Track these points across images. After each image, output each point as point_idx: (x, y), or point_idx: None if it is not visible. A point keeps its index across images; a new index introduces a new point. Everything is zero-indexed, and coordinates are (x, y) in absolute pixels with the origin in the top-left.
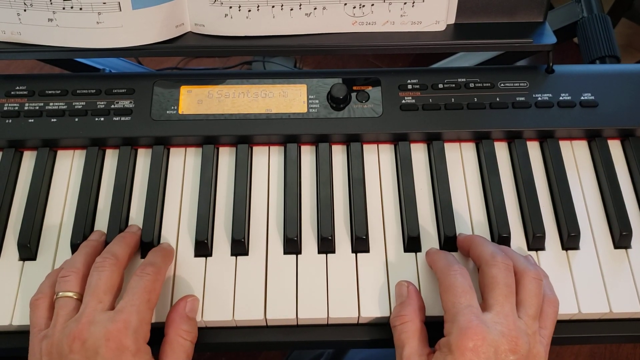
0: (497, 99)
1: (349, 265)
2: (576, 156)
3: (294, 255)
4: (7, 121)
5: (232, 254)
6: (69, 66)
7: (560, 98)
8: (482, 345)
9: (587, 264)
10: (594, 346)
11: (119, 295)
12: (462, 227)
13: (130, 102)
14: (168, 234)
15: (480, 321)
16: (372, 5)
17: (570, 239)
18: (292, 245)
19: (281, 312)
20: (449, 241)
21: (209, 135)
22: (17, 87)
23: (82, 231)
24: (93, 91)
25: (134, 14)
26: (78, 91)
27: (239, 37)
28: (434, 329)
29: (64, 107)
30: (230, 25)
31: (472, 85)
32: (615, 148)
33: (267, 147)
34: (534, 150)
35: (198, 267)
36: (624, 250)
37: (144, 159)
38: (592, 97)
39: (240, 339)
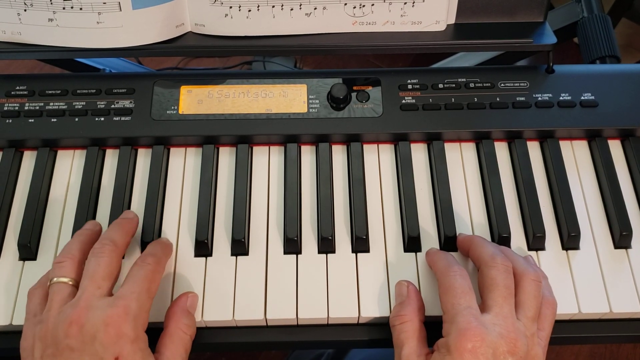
0: (497, 99)
1: (349, 265)
2: (576, 156)
3: (294, 255)
4: (7, 121)
5: (232, 254)
6: (69, 66)
7: (561, 98)
8: (481, 346)
9: (587, 264)
10: (594, 346)
11: (116, 283)
12: (462, 227)
13: (131, 102)
14: (168, 233)
15: (479, 322)
16: (372, 5)
17: (570, 239)
18: (292, 245)
19: (281, 312)
20: (449, 241)
21: (209, 135)
22: (18, 87)
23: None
24: (93, 91)
25: (134, 14)
26: (78, 91)
27: (239, 37)
28: (433, 329)
29: (64, 107)
30: (231, 25)
31: (472, 85)
32: (615, 148)
33: (267, 147)
34: (534, 150)
35: (198, 267)
36: (624, 250)
37: (144, 159)
38: (592, 97)
39: (240, 339)
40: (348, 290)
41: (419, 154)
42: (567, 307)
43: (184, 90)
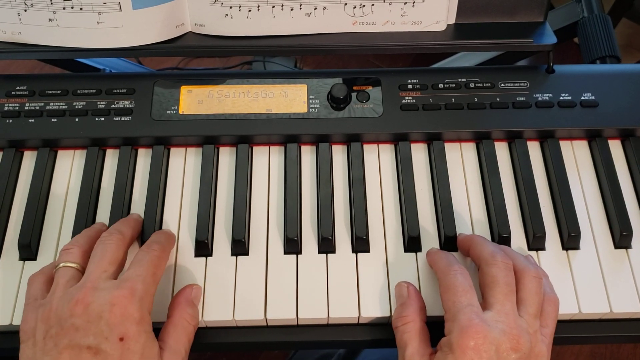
0: (498, 99)
1: (349, 265)
2: (576, 156)
3: (294, 255)
4: (7, 121)
5: (232, 254)
6: (69, 66)
7: (561, 98)
8: (484, 343)
9: (588, 263)
10: (594, 346)
11: (121, 271)
12: (463, 227)
13: (131, 102)
14: None
15: (481, 320)
16: (373, 5)
17: (570, 239)
18: (292, 245)
19: (281, 312)
20: (449, 241)
21: (210, 135)
22: (18, 87)
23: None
24: (93, 91)
25: (134, 14)
26: (78, 91)
27: (239, 37)
28: (435, 329)
29: (65, 107)
30: (231, 25)
31: (472, 85)
32: (615, 148)
33: (267, 147)
34: (534, 150)
35: (198, 267)
36: (624, 250)
37: (144, 159)
38: (593, 97)
39: (240, 339)
40: (348, 290)
41: (419, 154)
42: (567, 307)
43: (184, 90)
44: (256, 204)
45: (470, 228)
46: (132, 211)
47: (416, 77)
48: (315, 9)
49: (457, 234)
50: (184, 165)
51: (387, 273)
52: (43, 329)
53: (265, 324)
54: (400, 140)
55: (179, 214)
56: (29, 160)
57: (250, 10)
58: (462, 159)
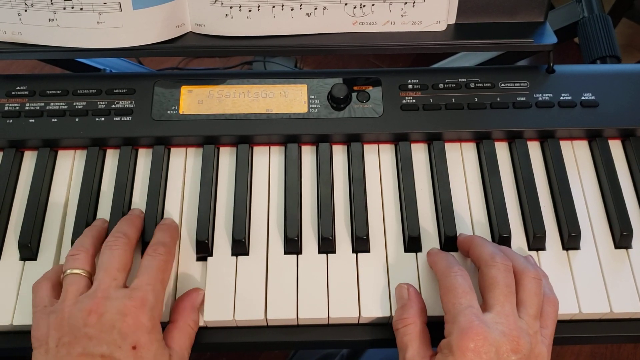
0: (498, 99)
1: (349, 265)
2: (577, 156)
3: (295, 255)
4: (7, 121)
5: (232, 254)
6: (69, 66)
7: (561, 98)
8: (484, 345)
9: (588, 264)
10: (594, 346)
11: (129, 274)
12: (463, 227)
13: (131, 102)
14: None
15: (481, 321)
16: (373, 5)
17: (570, 239)
18: (292, 245)
19: (282, 312)
20: (449, 241)
21: (210, 135)
22: (18, 87)
23: (82, 231)
24: (94, 91)
25: (134, 14)
26: (79, 91)
27: (240, 37)
28: (435, 329)
29: (65, 107)
30: (231, 25)
31: (472, 85)
32: (615, 148)
33: (267, 147)
34: (534, 150)
35: (198, 267)
36: (624, 250)
37: (144, 159)
38: (593, 97)
39: (240, 339)
40: (348, 290)
41: (419, 154)
42: (567, 307)
43: (185, 90)
44: (256, 204)
45: (470, 228)
46: None
47: (416, 77)
48: (316, 9)
49: (458, 234)
50: (184, 165)
51: (388, 273)
52: (56, 336)
53: (265, 324)
54: (400, 140)
55: (180, 214)
56: (29, 161)
57: (250, 10)
58: (462, 159)
